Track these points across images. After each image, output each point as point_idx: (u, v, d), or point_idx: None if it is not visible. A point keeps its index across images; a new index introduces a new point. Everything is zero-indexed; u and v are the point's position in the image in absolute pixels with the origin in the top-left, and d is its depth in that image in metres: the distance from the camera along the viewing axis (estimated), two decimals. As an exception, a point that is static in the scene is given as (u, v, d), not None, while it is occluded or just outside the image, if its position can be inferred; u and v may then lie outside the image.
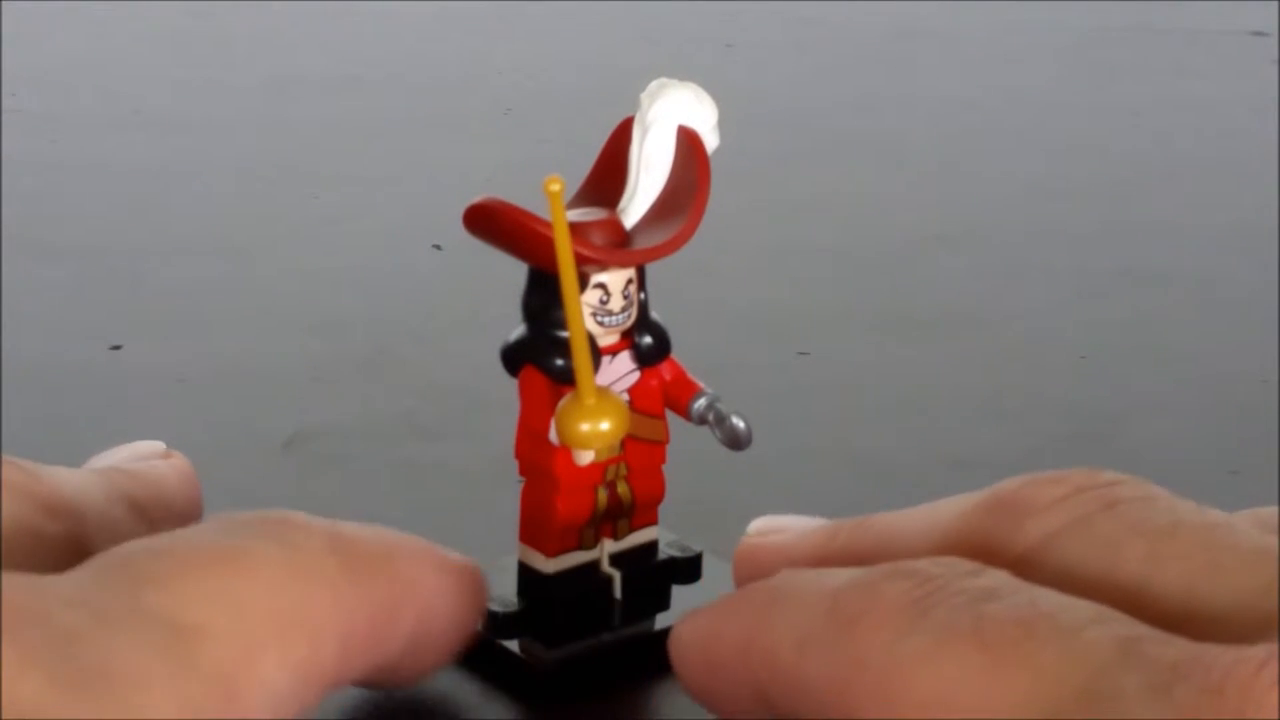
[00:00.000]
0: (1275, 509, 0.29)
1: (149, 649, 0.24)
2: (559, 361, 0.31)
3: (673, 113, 0.32)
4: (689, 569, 0.34)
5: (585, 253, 0.30)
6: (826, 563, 0.29)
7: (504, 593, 0.33)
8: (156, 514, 0.33)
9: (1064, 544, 0.27)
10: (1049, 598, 0.25)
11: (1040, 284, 0.55)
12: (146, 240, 0.58)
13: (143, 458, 0.35)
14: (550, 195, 0.29)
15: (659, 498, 0.34)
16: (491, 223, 0.31)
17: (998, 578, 0.25)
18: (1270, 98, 0.76)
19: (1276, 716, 0.22)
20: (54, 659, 0.23)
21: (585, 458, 0.32)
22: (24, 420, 0.37)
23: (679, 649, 0.29)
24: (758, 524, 0.32)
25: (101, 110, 0.72)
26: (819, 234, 0.59)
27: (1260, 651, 0.23)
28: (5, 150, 0.65)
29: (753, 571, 0.31)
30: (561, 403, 0.31)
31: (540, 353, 0.32)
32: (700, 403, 0.33)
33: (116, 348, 0.48)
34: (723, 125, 0.32)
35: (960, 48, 0.87)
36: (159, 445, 0.35)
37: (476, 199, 0.31)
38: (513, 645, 0.32)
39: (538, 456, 0.32)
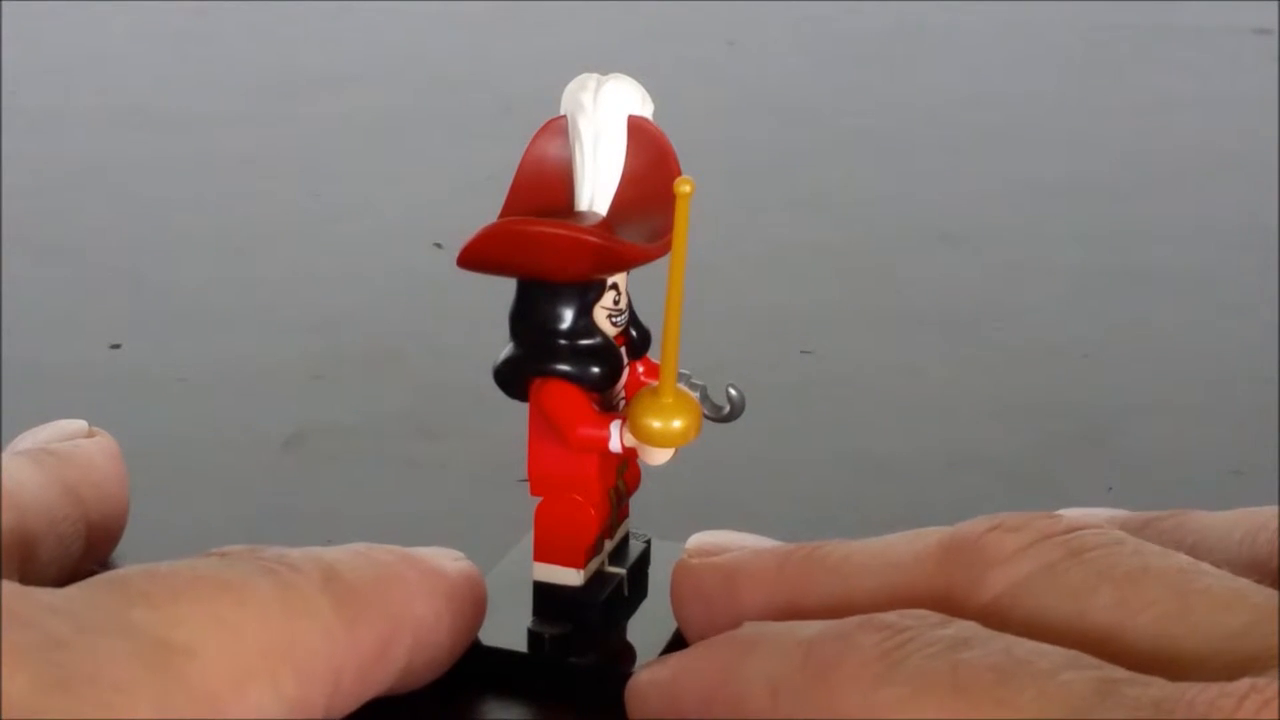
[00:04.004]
0: (1272, 509, 0.29)
1: (135, 660, 0.24)
2: (596, 370, 0.31)
3: (620, 106, 0.32)
4: (648, 555, 0.35)
5: (646, 253, 0.30)
6: (775, 593, 0.29)
7: (515, 611, 0.33)
8: (86, 493, 0.33)
9: (1031, 592, 0.27)
10: (1023, 645, 0.25)
11: (1041, 284, 0.55)
12: (146, 240, 0.57)
13: (68, 437, 0.35)
14: (681, 196, 0.29)
15: (636, 488, 0.34)
16: (514, 246, 0.30)
17: (969, 628, 0.25)
18: (1272, 96, 0.76)
19: None
20: (39, 662, 0.23)
21: (663, 456, 0.31)
22: (24, 420, 0.37)
23: (638, 697, 0.29)
24: (697, 541, 0.32)
25: (101, 110, 0.72)
26: (821, 232, 0.59)
27: (1242, 686, 0.23)
28: (5, 150, 0.64)
29: (696, 593, 0.31)
30: (639, 403, 0.31)
31: (573, 363, 0.31)
32: (681, 385, 0.33)
33: (116, 347, 0.48)
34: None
35: (961, 46, 0.87)
36: (82, 424, 0.36)
37: (477, 231, 0.31)
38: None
39: (568, 470, 0.32)
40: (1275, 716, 0.22)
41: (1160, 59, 0.84)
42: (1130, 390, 0.47)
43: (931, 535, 0.29)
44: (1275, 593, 0.26)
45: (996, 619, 0.26)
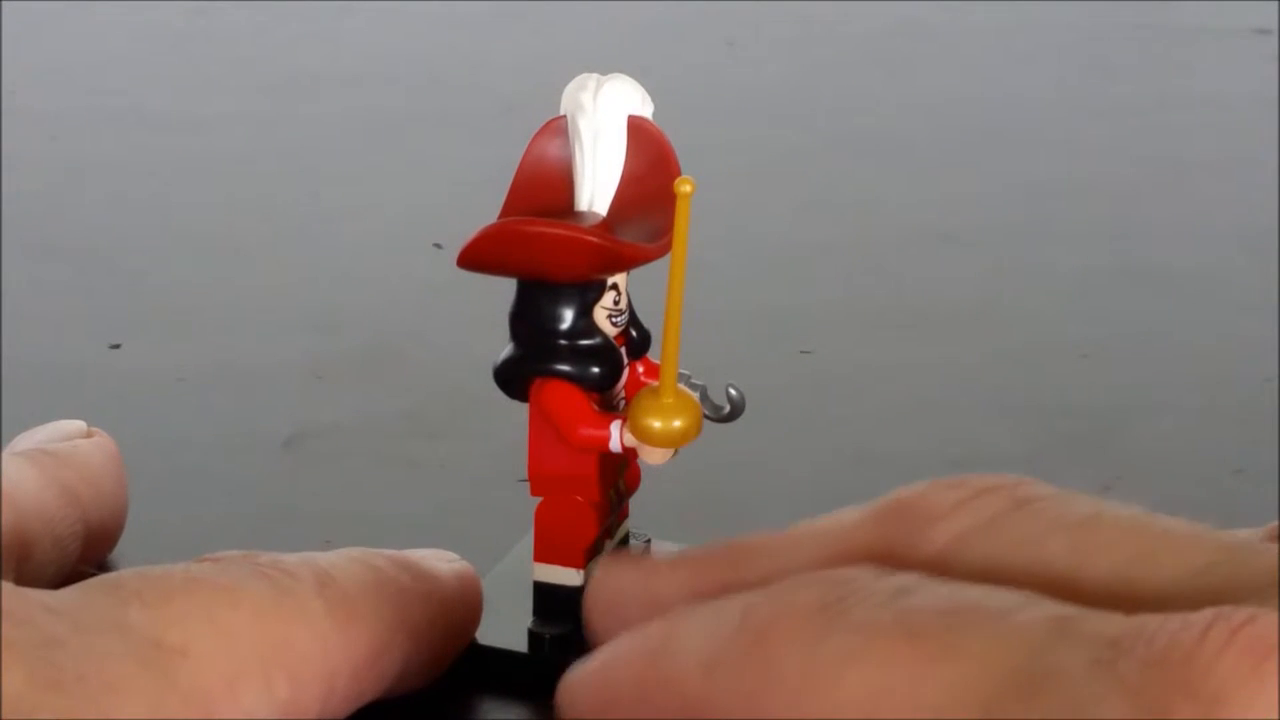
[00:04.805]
0: None
1: (128, 659, 0.24)
2: (596, 370, 0.31)
3: (620, 106, 0.32)
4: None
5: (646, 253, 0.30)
6: (698, 579, 0.28)
7: (514, 611, 0.32)
8: (84, 494, 0.33)
9: (976, 544, 0.26)
10: (970, 589, 0.24)
11: (1041, 283, 0.55)
12: (146, 240, 0.57)
13: (67, 438, 0.35)
14: (681, 196, 0.29)
15: (636, 488, 0.34)
16: (514, 246, 0.30)
17: (910, 578, 0.24)
18: (1272, 96, 0.75)
19: (1227, 682, 0.21)
20: (35, 660, 0.23)
21: (663, 456, 0.31)
22: (24, 420, 0.37)
23: (571, 698, 0.27)
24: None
25: (102, 110, 0.72)
26: (820, 232, 0.59)
27: (1204, 616, 0.21)
28: (5, 150, 0.64)
29: (606, 593, 0.29)
30: (639, 403, 0.31)
31: (573, 363, 0.31)
32: (681, 385, 0.33)
33: (116, 347, 0.48)
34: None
35: (961, 46, 0.87)
36: (81, 425, 0.36)
37: (477, 231, 0.31)
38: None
39: (568, 470, 0.32)
40: (1242, 649, 0.21)
41: (1160, 59, 0.84)
42: (1130, 390, 0.47)
43: (868, 504, 0.28)
44: (1239, 534, 0.25)
45: (943, 571, 0.25)
